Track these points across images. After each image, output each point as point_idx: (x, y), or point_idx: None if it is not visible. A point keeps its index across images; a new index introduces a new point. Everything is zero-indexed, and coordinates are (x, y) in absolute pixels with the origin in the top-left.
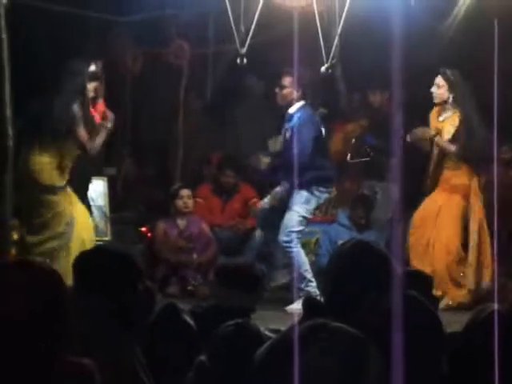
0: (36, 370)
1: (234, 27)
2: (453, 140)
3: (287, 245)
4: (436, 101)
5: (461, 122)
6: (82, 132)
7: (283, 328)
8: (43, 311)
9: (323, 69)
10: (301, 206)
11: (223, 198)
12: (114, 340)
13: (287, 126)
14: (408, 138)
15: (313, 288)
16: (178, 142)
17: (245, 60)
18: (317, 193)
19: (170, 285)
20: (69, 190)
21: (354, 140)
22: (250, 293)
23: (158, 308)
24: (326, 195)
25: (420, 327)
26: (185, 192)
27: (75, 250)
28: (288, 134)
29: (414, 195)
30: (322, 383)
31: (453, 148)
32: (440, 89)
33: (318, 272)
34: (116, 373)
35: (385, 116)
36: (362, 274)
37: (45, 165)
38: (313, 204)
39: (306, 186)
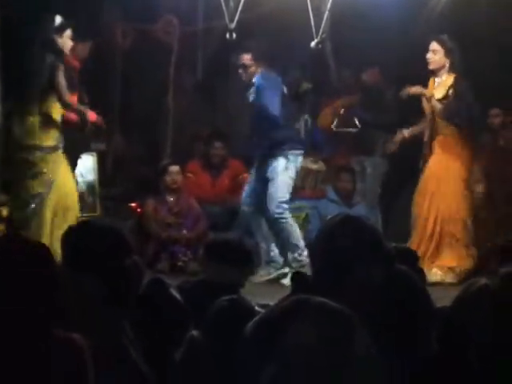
0: (27, 344)
1: (223, 2)
2: (443, 100)
3: (280, 216)
4: (432, 67)
5: (453, 83)
6: (63, 83)
7: (272, 303)
8: (32, 286)
9: (313, 44)
10: (282, 173)
11: (213, 174)
12: (102, 315)
13: (249, 92)
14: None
15: (306, 258)
16: (167, 118)
17: (234, 35)
18: (292, 157)
19: (159, 261)
20: (58, 153)
21: (343, 109)
22: (239, 268)
23: (144, 283)
24: (300, 158)
25: (408, 302)
26: (173, 168)
27: (53, 215)
28: (251, 98)
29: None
30: (307, 358)
31: (439, 106)
32: (436, 54)
33: (307, 247)
34: (103, 347)
35: (377, 91)
36: (349, 249)
37: (28, 124)
38: (292, 169)
39: (280, 151)
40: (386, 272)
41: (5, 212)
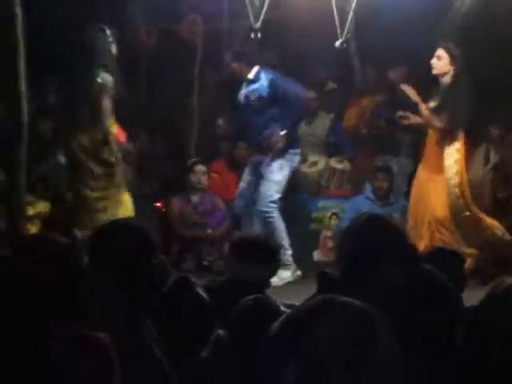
0: (53, 343)
1: (248, 2)
2: (438, 107)
3: (268, 215)
4: (435, 72)
5: (451, 90)
6: (107, 106)
7: (298, 303)
8: (59, 285)
9: (338, 43)
10: (277, 173)
11: (238, 173)
12: (126, 314)
13: (250, 90)
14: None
15: (289, 257)
16: (192, 118)
17: (259, 34)
18: (288, 156)
19: (184, 260)
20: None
21: (368, 112)
22: (264, 266)
23: (170, 281)
24: (298, 157)
25: (431, 301)
26: (199, 168)
27: None
28: (253, 97)
29: None
30: (331, 357)
31: (436, 122)
32: (441, 60)
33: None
34: (127, 347)
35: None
36: (374, 248)
37: (96, 138)
38: (287, 169)
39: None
40: (410, 270)
41: (31, 211)
